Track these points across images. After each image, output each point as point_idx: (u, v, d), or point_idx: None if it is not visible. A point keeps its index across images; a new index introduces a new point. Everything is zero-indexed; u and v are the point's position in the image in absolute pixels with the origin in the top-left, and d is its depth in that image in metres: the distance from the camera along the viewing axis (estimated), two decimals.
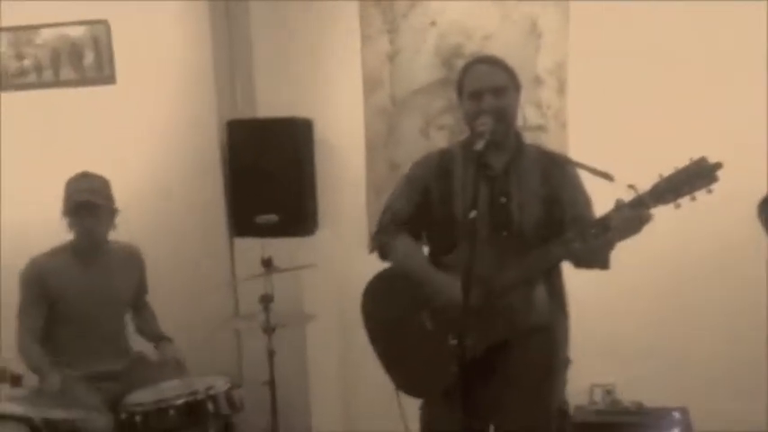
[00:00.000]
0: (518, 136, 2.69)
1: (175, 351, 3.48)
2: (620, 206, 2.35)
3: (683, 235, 3.59)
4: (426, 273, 2.66)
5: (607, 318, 3.81)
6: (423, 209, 2.70)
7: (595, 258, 2.53)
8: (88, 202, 3.25)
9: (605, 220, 2.39)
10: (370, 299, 2.84)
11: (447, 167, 2.69)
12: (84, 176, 3.34)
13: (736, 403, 3.78)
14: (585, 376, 3.84)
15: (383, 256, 2.79)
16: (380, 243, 2.78)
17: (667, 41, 3.78)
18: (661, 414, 3.76)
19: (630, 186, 2.33)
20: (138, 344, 3.60)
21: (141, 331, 3.63)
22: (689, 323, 3.90)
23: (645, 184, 2.34)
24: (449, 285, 2.51)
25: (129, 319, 3.59)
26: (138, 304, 3.64)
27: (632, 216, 2.34)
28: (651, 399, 3.84)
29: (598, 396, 3.95)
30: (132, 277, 3.56)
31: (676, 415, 3.74)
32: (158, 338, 3.56)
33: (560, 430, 2.74)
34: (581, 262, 2.56)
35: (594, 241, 2.40)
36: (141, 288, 3.62)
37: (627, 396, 3.91)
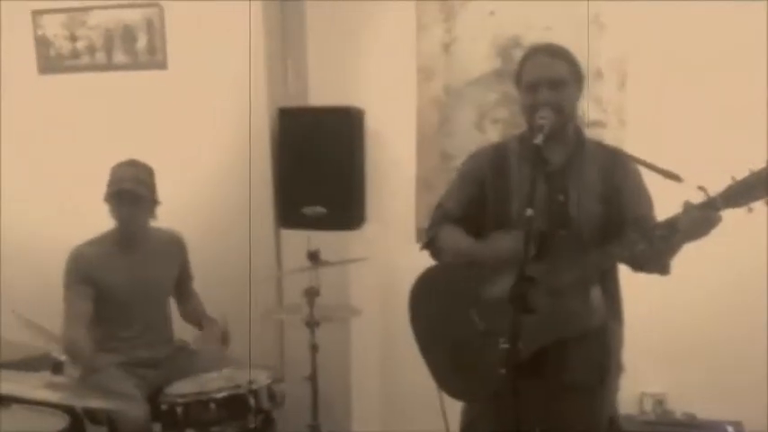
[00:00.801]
0: (578, 131, 2.57)
1: (220, 327, 3.45)
2: (688, 208, 2.23)
3: (742, 240, 3.42)
4: (476, 245, 2.53)
5: (659, 323, 3.66)
6: (477, 205, 2.60)
7: (657, 263, 2.41)
8: (128, 191, 3.24)
9: (673, 222, 2.27)
10: (418, 296, 2.74)
11: (503, 162, 2.58)
12: (130, 164, 3.33)
13: None
14: (635, 384, 3.69)
15: (434, 253, 2.69)
16: (429, 239, 2.68)
17: (736, 39, 3.60)
18: (714, 427, 3.63)
19: (701, 188, 2.20)
20: (182, 332, 3.58)
21: (187, 318, 3.63)
22: (746, 332, 3.72)
23: (707, 186, 2.21)
24: (506, 243, 2.40)
25: (174, 306, 3.59)
26: (184, 291, 3.63)
27: (701, 219, 2.21)
28: (704, 410, 3.70)
29: (648, 406, 3.83)
30: (174, 264, 3.55)
31: (730, 429, 3.60)
32: (200, 318, 3.55)
33: None
34: (641, 266, 2.45)
35: (660, 244, 2.28)
36: (184, 275, 3.61)
37: (678, 407, 3.78)
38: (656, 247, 2.29)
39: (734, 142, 3.43)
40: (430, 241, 2.68)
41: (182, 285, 3.61)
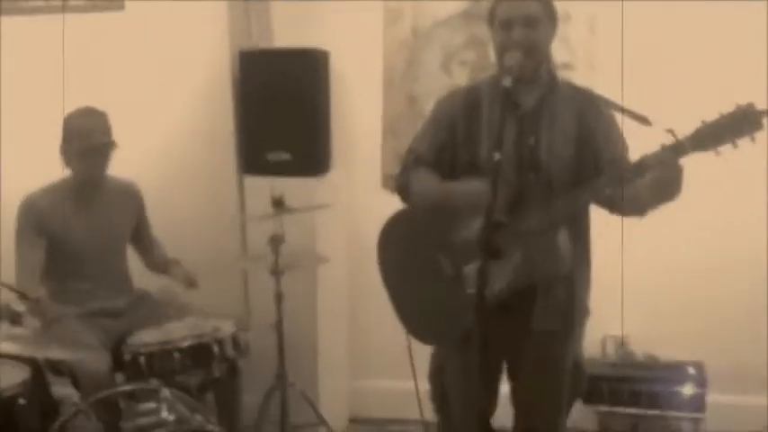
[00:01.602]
0: (551, 72, 2.52)
1: (185, 270, 3.46)
2: (657, 151, 2.21)
3: (703, 181, 3.41)
4: (447, 188, 2.51)
5: (621, 265, 3.64)
6: (449, 149, 2.55)
7: (632, 207, 2.41)
8: (104, 144, 3.22)
9: (639, 163, 2.26)
10: (386, 241, 2.71)
11: (474, 105, 2.52)
12: (88, 114, 3.26)
13: (755, 358, 3.65)
14: (598, 327, 3.65)
15: (404, 197, 2.65)
16: (401, 183, 2.63)
17: None
18: (675, 368, 3.67)
19: (669, 131, 2.18)
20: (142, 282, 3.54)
21: (153, 267, 3.60)
22: (707, 273, 3.74)
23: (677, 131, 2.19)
24: (475, 186, 2.36)
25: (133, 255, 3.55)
26: (145, 241, 3.59)
27: (668, 161, 2.20)
28: (666, 352, 3.74)
29: (611, 348, 3.85)
30: (130, 214, 3.50)
31: (691, 370, 3.64)
32: (166, 264, 3.52)
33: (575, 383, 2.65)
34: (616, 208, 2.45)
35: (628, 186, 2.27)
36: (143, 225, 3.56)
37: (640, 348, 3.81)
38: (626, 189, 2.28)
39: (705, 88, 3.39)
40: (402, 186, 2.64)
41: (142, 235, 3.57)
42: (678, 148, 2.18)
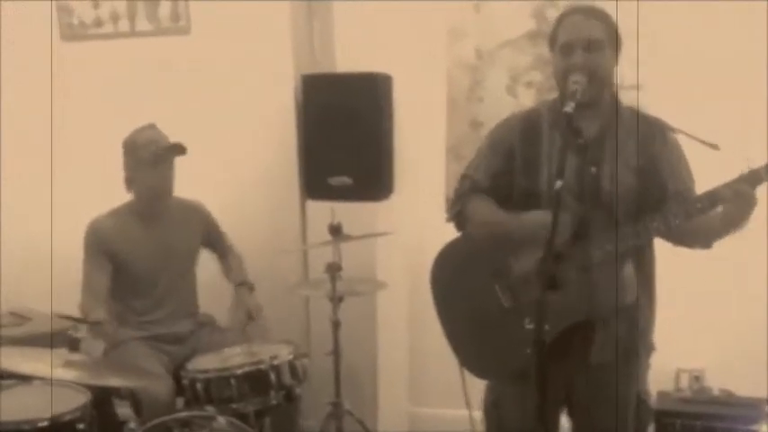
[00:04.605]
0: (614, 97, 2.42)
1: (251, 300, 3.43)
2: (731, 181, 2.12)
3: None
4: (505, 218, 2.42)
5: (697, 298, 3.53)
6: (505, 176, 2.47)
7: (698, 238, 2.32)
8: (173, 147, 3.23)
9: (713, 194, 2.16)
10: (440, 271, 2.64)
11: (533, 131, 2.44)
12: (151, 128, 3.29)
13: None
14: (672, 360, 3.61)
15: (459, 225, 2.58)
16: (456, 211, 2.57)
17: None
18: (752, 404, 3.49)
19: (745, 159, 2.09)
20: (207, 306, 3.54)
21: (227, 275, 3.59)
22: None
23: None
24: (537, 217, 2.28)
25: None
26: (220, 251, 3.60)
27: (743, 192, 2.10)
28: (743, 387, 3.56)
29: (685, 382, 3.71)
30: (196, 233, 3.50)
31: None
32: (239, 283, 3.50)
33: (639, 419, 2.53)
34: (681, 240, 2.35)
35: (699, 217, 2.18)
36: (213, 236, 3.56)
37: (716, 383, 3.65)
38: (695, 220, 2.19)
39: None
40: (456, 214, 2.57)
41: (214, 246, 3.58)
42: (753, 178, 2.09)
